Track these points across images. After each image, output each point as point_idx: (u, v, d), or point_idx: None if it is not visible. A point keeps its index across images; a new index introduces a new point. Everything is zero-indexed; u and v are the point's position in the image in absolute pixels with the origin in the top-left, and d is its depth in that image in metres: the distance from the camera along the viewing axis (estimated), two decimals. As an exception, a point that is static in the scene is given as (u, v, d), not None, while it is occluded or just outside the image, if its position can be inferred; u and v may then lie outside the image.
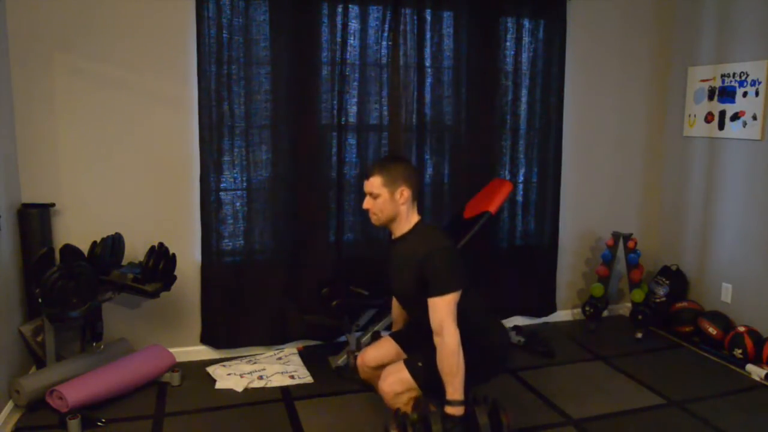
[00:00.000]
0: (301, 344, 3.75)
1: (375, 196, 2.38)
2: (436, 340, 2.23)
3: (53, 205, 3.23)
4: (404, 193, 2.36)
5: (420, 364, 2.37)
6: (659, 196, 4.45)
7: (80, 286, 2.87)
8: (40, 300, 2.84)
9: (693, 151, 4.14)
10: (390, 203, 2.37)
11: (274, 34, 3.39)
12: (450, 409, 2.17)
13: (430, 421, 2.14)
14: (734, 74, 3.79)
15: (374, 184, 2.38)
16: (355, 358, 2.79)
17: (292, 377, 3.34)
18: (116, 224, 3.29)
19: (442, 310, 2.21)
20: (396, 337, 2.68)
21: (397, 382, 2.35)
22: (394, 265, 2.46)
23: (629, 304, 4.17)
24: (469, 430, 2.16)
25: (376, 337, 3.30)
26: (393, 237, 2.48)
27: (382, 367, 2.59)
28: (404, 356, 2.59)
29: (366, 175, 2.43)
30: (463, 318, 2.30)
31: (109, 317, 3.34)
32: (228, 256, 3.54)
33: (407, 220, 2.41)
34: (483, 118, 3.85)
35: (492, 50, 3.82)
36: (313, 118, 3.54)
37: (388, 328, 3.56)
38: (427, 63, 3.69)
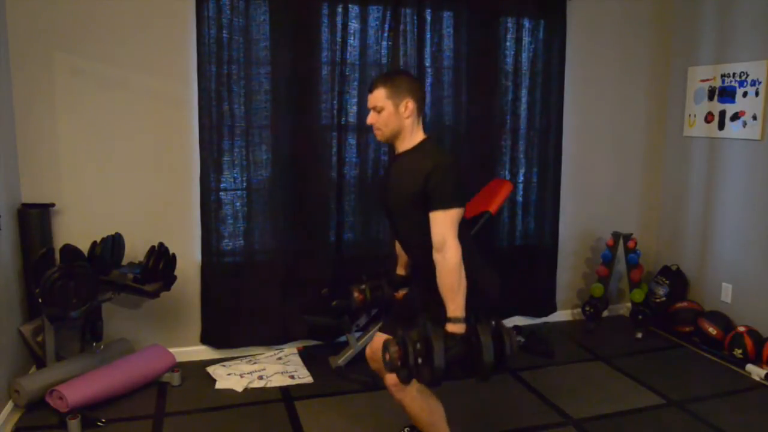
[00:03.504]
0: (301, 344, 3.75)
1: (379, 110, 2.29)
2: (437, 256, 2.14)
3: (53, 205, 3.23)
4: (409, 105, 2.28)
5: (400, 332, 2.18)
6: (659, 196, 4.45)
7: (80, 286, 2.86)
8: (40, 300, 2.84)
9: (693, 151, 4.14)
10: (394, 117, 2.28)
11: (274, 34, 3.39)
12: (451, 327, 2.09)
13: (432, 340, 2.03)
14: (734, 74, 3.79)
15: (378, 96, 2.28)
16: (359, 291, 2.64)
17: (292, 377, 3.34)
18: (116, 224, 3.29)
19: (445, 224, 2.13)
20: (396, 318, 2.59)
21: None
22: (394, 178, 2.36)
23: (629, 304, 4.17)
24: (471, 349, 2.07)
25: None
26: (396, 153, 2.38)
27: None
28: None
29: (369, 89, 2.33)
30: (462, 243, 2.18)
31: (109, 317, 3.34)
32: (228, 256, 3.54)
33: (412, 135, 2.32)
34: (483, 118, 3.85)
35: (492, 50, 3.82)
36: (313, 118, 3.54)
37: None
38: (427, 63, 3.69)
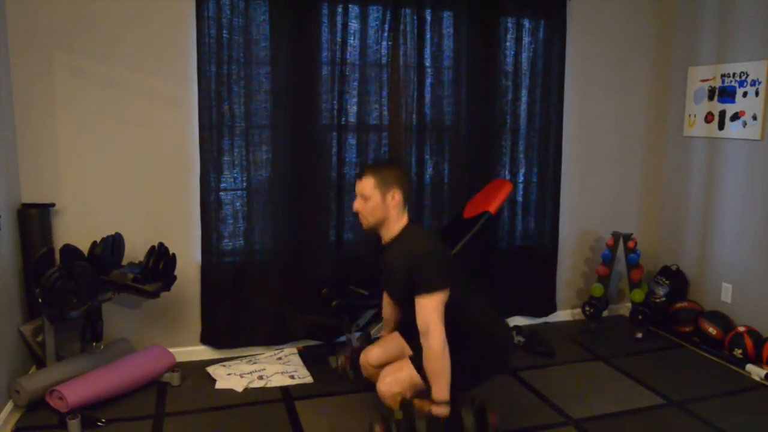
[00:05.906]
0: (301, 344, 3.75)
1: (366, 198, 2.38)
2: (422, 340, 2.23)
3: (53, 205, 3.23)
4: (396, 196, 2.36)
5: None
6: (659, 196, 4.45)
7: (80, 286, 2.86)
8: (40, 300, 2.84)
9: (693, 151, 4.14)
10: (381, 206, 2.37)
11: (274, 34, 3.39)
12: (436, 409, 2.17)
13: (416, 421, 2.14)
14: (734, 74, 3.79)
15: (366, 185, 2.37)
16: (346, 359, 2.81)
17: (292, 377, 3.34)
18: (116, 224, 3.29)
19: (429, 309, 2.21)
20: (402, 332, 2.67)
21: (394, 383, 2.34)
22: (386, 271, 2.47)
23: (629, 304, 4.17)
24: (454, 430, 2.16)
25: (366, 339, 3.28)
26: (383, 242, 2.48)
27: (384, 365, 2.58)
28: (409, 352, 2.59)
29: (358, 175, 2.42)
30: (460, 318, 2.29)
31: (109, 317, 3.34)
32: (228, 256, 3.54)
33: (396, 223, 2.41)
34: (483, 118, 3.85)
35: (492, 50, 3.82)
36: (313, 118, 3.54)
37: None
38: (427, 63, 3.69)
